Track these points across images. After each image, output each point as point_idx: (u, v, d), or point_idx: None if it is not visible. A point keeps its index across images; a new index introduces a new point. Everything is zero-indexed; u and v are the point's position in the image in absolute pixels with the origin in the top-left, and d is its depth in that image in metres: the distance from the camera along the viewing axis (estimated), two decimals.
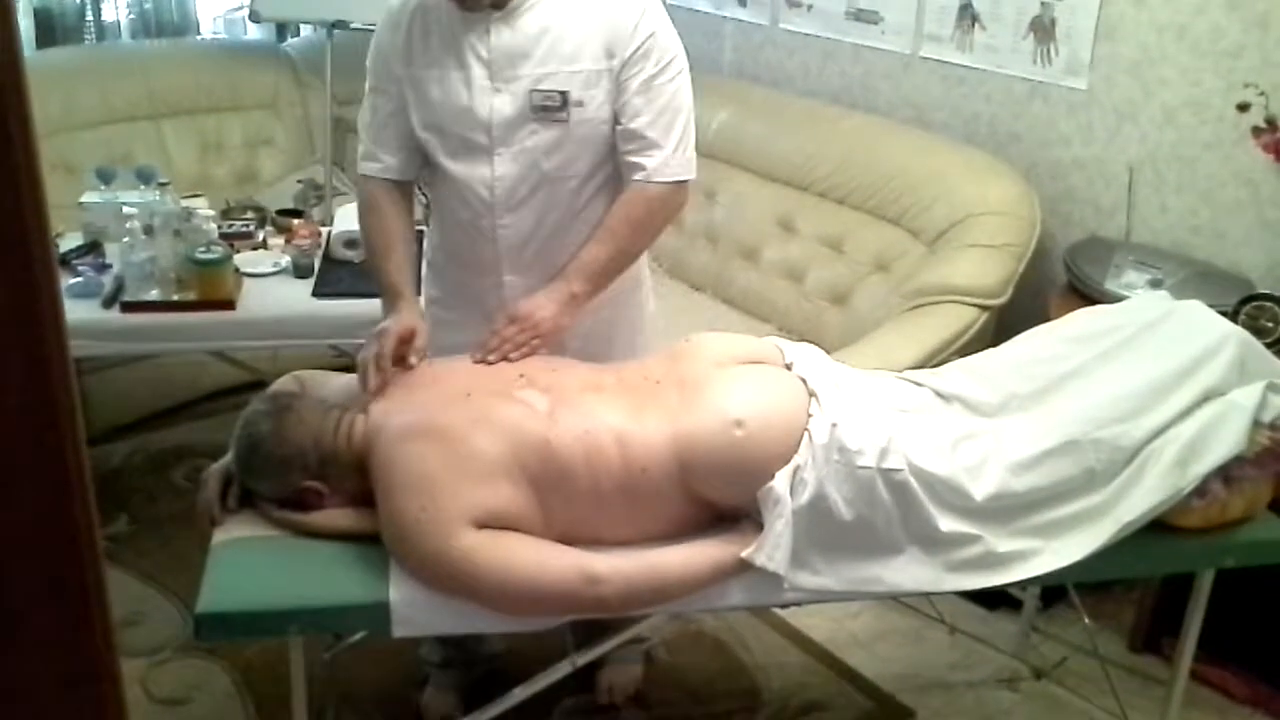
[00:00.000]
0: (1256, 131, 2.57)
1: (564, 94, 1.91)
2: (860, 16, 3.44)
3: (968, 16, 3.15)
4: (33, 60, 3.64)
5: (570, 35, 1.92)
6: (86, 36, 3.88)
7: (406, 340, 1.87)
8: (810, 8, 3.59)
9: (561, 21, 1.92)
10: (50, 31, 3.80)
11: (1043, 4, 2.97)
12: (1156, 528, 1.80)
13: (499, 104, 1.92)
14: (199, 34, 4.12)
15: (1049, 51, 2.99)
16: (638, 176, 1.96)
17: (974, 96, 3.21)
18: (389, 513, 1.66)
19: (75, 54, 3.83)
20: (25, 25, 3.70)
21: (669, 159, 1.96)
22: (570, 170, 1.97)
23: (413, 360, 1.86)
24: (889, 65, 3.41)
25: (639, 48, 1.93)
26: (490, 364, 1.86)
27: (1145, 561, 1.94)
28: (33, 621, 0.91)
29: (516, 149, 1.94)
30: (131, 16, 3.96)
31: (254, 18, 3.88)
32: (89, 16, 3.86)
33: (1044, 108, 3.05)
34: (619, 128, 1.96)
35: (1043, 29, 2.99)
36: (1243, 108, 2.58)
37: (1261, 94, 2.55)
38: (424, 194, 2.24)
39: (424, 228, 2.26)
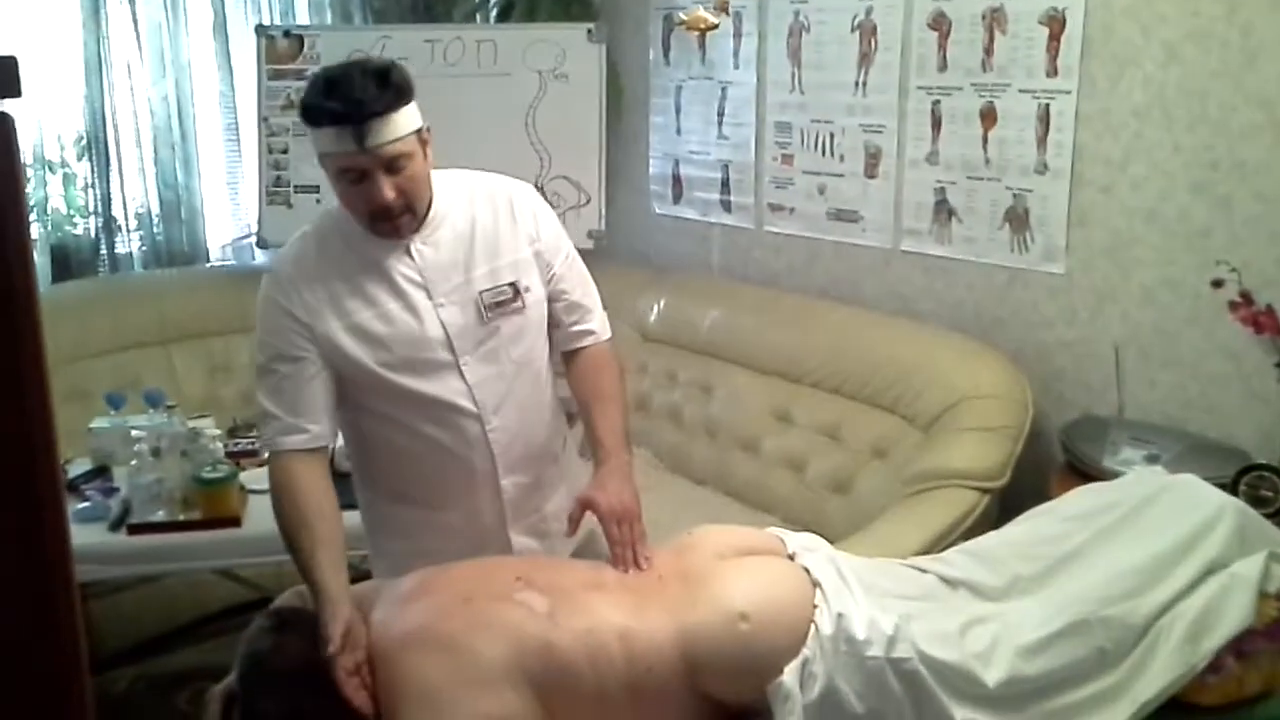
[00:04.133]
0: (1233, 306, 2.64)
1: (513, 284, 2.00)
2: (841, 216, 3.59)
3: (944, 211, 3.29)
4: (48, 294, 3.76)
5: (489, 232, 2.00)
6: (100, 269, 4.02)
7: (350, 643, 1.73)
8: (793, 211, 3.75)
9: (475, 222, 2.00)
10: (66, 266, 3.95)
11: (1015, 195, 3.10)
12: (1176, 707, 1.77)
13: (449, 317, 1.95)
14: (209, 261, 4.28)
15: (1025, 240, 3.11)
16: (588, 341, 2.11)
17: (956, 285, 3.31)
18: None
19: (89, 286, 3.95)
20: (42, 262, 3.84)
21: (602, 319, 2.14)
22: (532, 353, 2.05)
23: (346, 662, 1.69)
24: (872, 260, 3.54)
25: (548, 228, 2.07)
26: (642, 569, 1.84)
27: None
28: None
29: (483, 351, 1.98)
30: (144, 248, 4.12)
31: (260, 244, 4.04)
32: (103, 250, 4.01)
33: (1025, 293, 3.15)
34: (559, 303, 2.08)
35: (1017, 219, 3.11)
36: (1217, 284, 2.66)
37: (1234, 270, 2.64)
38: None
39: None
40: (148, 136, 4.00)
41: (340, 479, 2.11)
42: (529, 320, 2.02)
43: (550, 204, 2.14)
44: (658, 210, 4.31)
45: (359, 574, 2.04)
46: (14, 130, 0.85)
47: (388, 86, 1.81)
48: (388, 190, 1.83)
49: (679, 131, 4.15)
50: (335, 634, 1.69)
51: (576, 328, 2.09)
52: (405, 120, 1.84)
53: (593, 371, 2.08)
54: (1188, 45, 2.70)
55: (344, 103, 1.78)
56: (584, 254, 2.18)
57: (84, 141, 3.89)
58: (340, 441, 2.10)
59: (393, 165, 1.83)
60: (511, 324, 2.00)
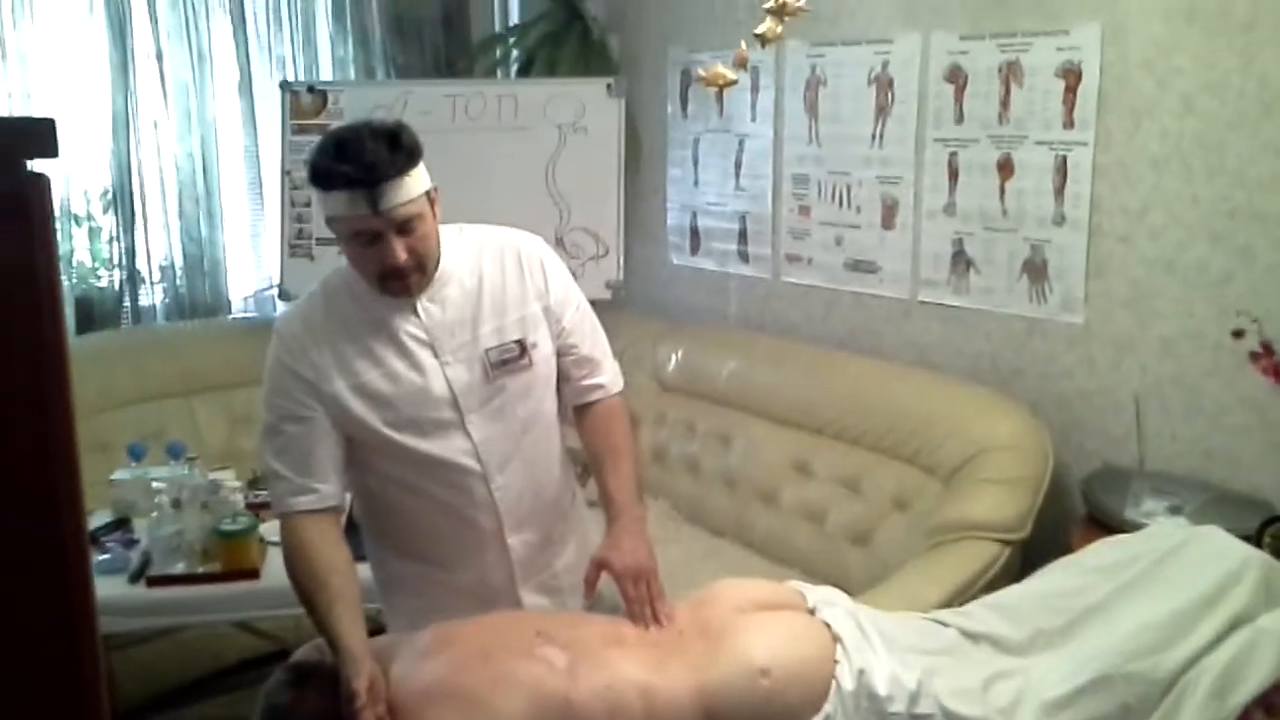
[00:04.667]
0: (1254, 356, 2.62)
1: (519, 341, 1.98)
2: (859, 267, 3.60)
3: (961, 262, 3.29)
4: (72, 346, 3.79)
5: (496, 288, 1.99)
6: (123, 320, 4.06)
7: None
8: (810, 261, 3.76)
9: (483, 279, 1.99)
10: (89, 317, 3.99)
11: (1033, 247, 3.11)
12: None
13: (455, 375, 1.95)
14: (230, 313, 4.31)
15: (1043, 290, 3.11)
16: (597, 395, 2.09)
17: (974, 336, 3.31)
18: None
19: (112, 337, 3.99)
20: (67, 313, 3.89)
21: (613, 371, 2.13)
22: (540, 409, 2.04)
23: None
24: (889, 311, 3.54)
25: (557, 281, 2.05)
26: (662, 625, 1.84)
27: None
28: None
29: (489, 409, 1.97)
30: (166, 300, 4.16)
31: (283, 295, 4.08)
32: (126, 302, 4.05)
33: (1044, 343, 3.14)
34: (569, 357, 2.06)
35: (1035, 269, 3.12)
36: (1238, 334, 2.65)
37: (1255, 320, 2.62)
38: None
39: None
40: (172, 191, 4.06)
41: (355, 530, 2.12)
42: (536, 377, 2.02)
43: (569, 255, 2.15)
44: (675, 261, 4.33)
45: (376, 627, 2.04)
46: (49, 191, 0.87)
47: (399, 149, 1.82)
48: (400, 252, 1.84)
49: (696, 183, 4.18)
50: (360, 688, 1.69)
51: (586, 382, 2.08)
52: (416, 182, 1.85)
53: (603, 426, 2.08)
54: (1204, 96, 2.71)
55: (356, 167, 1.78)
56: (602, 305, 2.19)
57: (110, 195, 3.95)
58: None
59: (405, 227, 1.84)
60: (518, 381, 1.99)
